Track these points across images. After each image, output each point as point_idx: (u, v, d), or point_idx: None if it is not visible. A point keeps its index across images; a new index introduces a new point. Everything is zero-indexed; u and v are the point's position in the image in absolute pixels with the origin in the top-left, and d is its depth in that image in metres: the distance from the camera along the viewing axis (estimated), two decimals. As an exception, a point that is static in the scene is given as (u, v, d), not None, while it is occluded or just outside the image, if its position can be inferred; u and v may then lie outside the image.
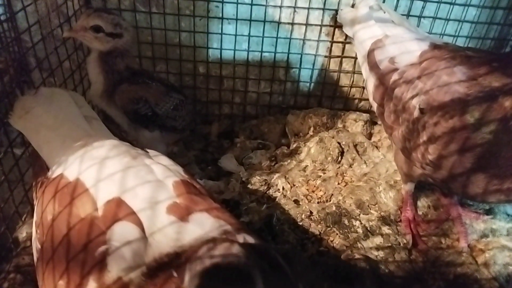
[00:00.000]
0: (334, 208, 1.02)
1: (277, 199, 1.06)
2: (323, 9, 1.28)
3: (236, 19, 1.28)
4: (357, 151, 1.21)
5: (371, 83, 1.03)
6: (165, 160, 0.71)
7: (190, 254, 0.47)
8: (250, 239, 0.51)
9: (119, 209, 0.55)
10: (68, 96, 0.86)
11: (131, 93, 1.07)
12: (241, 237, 0.51)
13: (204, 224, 0.53)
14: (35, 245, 0.63)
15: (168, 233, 0.52)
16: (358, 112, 1.37)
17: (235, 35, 1.31)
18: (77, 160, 0.66)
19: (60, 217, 0.58)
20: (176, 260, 0.48)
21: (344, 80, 1.43)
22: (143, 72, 1.19)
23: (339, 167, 1.16)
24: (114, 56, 1.05)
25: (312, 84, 1.43)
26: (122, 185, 0.59)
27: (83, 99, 0.90)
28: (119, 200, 0.57)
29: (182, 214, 0.54)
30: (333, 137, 1.22)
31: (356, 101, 1.47)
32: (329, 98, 1.46)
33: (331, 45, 1.35)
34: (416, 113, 0.85)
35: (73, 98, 0.85)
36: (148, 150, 0.74)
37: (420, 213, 1.05)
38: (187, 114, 1.20)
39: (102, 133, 0.81)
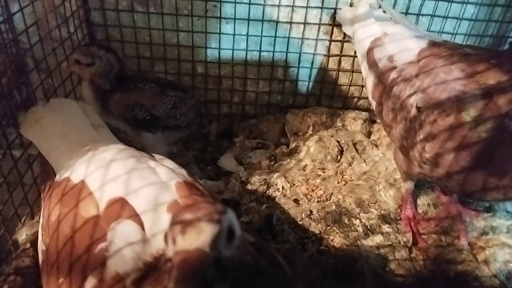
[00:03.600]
0: (334, 207, 1.02)
1: (276, 199, 1.06)
2: (321, 8, 1.28)
3: (234, 19, 1.28)
4: (357, 150, 1.21)
5: (370, 81, 1.03)
6: (170, 163, 0.72)
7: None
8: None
9: (121, 208, 0.56)
10: (77, 105, 0.90)
11: (124, 101, 1.10)
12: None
13: None
14: (41, 247, 0.64)
15: (166, 229, 0.52)
16: (357, 111, 1.37)
17: (233, 35, 1.31)
18: (84, 164, 0.68)
19: (65, 218, 0.59)
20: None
21: (343, 79, 1.43)
22: (135, 76, 1.19)
23: (338, 166, 1.16)
24: (97, 79, 1.09)
25: (311, 83, 1.43)
26: (126, 186, 0.60)
27: (90, 108, 0.94)
28: (122, 200, 0.58)
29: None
30: (332, 136, 1.22)
31: (355, 99, 1.46)
32: (328, 97, 1.45)
33: (330, 44, 1.35)
34: (413, 112, 0.85)
35: (81, 108, 0.89)
36: (153, 154, 0.75)
37: (420, 211, 1.05)
38: (189, 110, 1.19)
39: (109, 139, 0.83)
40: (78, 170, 0.67)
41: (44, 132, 0.82)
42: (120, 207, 0.57)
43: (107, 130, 0.87)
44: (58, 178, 0.71)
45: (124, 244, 0.52)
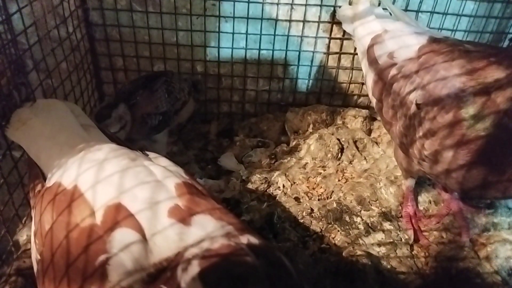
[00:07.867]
0: (335, 205, 1.02)
1: (277, 197, 1.06)
2: (321, 5, 1.27)
3: (233, 17, 1.28)
4: (357, 147, 1.21)
5: (370, 78, 1.03)
6: (164, 161, 0.70)
7: (182, 255, 0.47)
8: (254, 240, 0.50)
9: (118, 214, 0.54)
10: (65, 106, 0.86)
11: (136, 122, 1.12)
12: (244, 238, 0.50)
13: (206, 226, 0.52)
14: (35, 256, 0.62)
15: (169, 236, 0.51)
16: (357, 108, 1.37)
17: (233, 33, 1.31)
18: (74, 165, 0.65)
19: (58, 225, 0.56)
20: (173, 263, 0.47)
21: (343, 77, 1.43)
22: (120, 99, 1.14)
23: (339, 164, 1.16)
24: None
25: (311, 81, 1.43)
26: (120, 187, 0.58)
27: (79, 109, 0.91)
28: (118, 205, 0.55)
29: (184, 216, 0.53)
30: (332, 134, 1.22)
31: (355, 97, 1.46)
32: (328, 94, 1.45)
33: (329, 42, 1.35)
34: (413, 108, 0.85)
35: (70, 108, 0.86)
36: (147, 153, 0.74)
37: (421, 208, 1.05)
38: (181, 84, 1.22)
39: (100, 139, 0.81)
40: (69, 172, 0.64)
41: (32, 134, 0.79)
42: (118, 212, 0.54)
43: (98, 130, 0.84)
44: (48, 180, 0.68)
45: (125, 255, 0.50)
